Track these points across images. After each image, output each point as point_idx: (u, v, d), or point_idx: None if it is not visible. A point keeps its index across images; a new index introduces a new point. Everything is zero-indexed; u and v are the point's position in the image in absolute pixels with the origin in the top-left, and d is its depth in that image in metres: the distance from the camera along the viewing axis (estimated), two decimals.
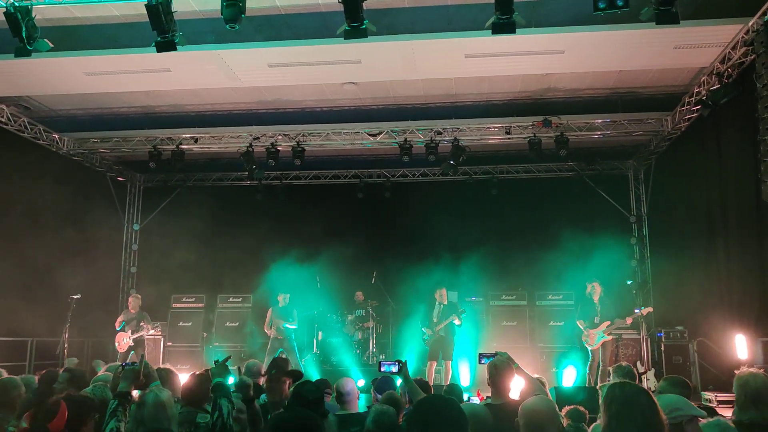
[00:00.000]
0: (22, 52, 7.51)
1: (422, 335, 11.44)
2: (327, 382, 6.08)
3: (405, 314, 13.20)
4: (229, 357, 4.21)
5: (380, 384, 5.71)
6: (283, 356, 11.44)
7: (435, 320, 11.20)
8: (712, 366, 10.66)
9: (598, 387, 7.62)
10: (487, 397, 5.48)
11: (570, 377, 11.48)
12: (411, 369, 5.25)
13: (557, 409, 3.52)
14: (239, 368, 6.24)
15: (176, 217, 14.59)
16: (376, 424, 3.97)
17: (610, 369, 5.60)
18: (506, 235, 13.80)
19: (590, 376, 10.48)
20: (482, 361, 5.12)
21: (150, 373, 4.37)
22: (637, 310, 10.69)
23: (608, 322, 10.31)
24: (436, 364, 11.30)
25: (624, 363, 5.65)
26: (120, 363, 5.00)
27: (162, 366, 5.40)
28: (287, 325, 11.83)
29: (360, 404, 5.77)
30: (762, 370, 3.93)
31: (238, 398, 4.43)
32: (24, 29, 7.37)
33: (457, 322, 11.09)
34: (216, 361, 4.16)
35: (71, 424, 3.45)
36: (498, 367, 4.63)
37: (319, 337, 13.22)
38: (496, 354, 4.94)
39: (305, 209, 14.47)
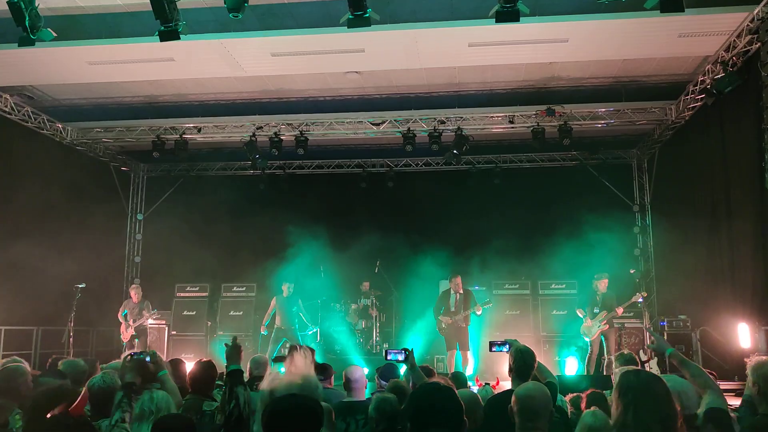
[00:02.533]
0: (26, 42, 7.50)
1: (437, 324, 11.31)
2: (330, 367, 6.11)
3: (409, 303, 13.24)
4: (236, 338, 4.10)
5: (384, 371, 5.74)
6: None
7: (453, 309, 11.09)
8: (714, 355, 10.69)
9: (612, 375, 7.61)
10: (486, 383, 5.52)
11: (573, 366, 11.55)
12: (417, 358, 5.28)
13: (549, 394, 3.51)
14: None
15: (180, 207, 14.62)
16: (378, 411, 3.99)
17: (612, 357, 5.63)
18: (509, 225, 13.77)
19: (588, 368, 10.52)
20: (493, 349, 5.14)
21: (158, 362, 4.38)
22: (633, 297, 10.80)
23: (605, 312, 10.40)
24: (456, 352, 11.23)
25: (626, 351, 5.67)
26: (129, 353, 4.99)
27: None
28: (309, 325, 12.17)
29: (366, 392, 5.81)
30: None
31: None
32: (27, 18, 7.35)
33: (478, 312, 11.03)
34: (227, 344, 4.07)
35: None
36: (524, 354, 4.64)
37: (323, 326, 13.28)
38: (506, 342, 4.94)
39: (308, 198, 14.49)
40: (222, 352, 3.95)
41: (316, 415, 2.65)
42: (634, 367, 3.03)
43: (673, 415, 2.63)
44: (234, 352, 3.85)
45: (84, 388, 3.72)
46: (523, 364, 4.52)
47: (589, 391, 4.44)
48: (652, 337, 4.17)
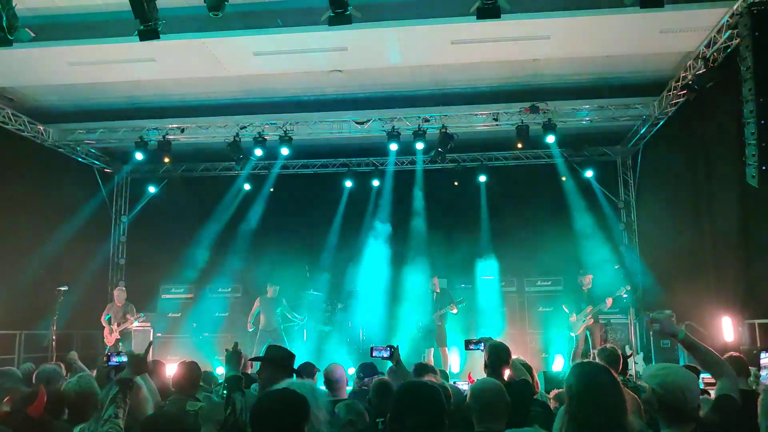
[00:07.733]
0: (3, 42, 7.39)
1: (417, 323, 11.55)
2: (312, 365, 6.08)
3: (395, 301, 13.23)
4: (237, 344, 4.09)
5: (364, 369, 5.77)
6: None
7: (430, 308, 11.36)
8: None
9: None
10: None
11: (559, 362, 11.61)
12: (402, 355, 5.27)
13: (504, 389, 3.54)
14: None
15: (164, 208, 14.53)
16: (354, 414, 4.03)
17: (594, 352, 5.66)
18: (495, 222, 13.82)
19: (573, 363, 10.62)
20: (470, 347, 5.15)
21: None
22: (618, 292, 10.93)
23: (591, 307, 10.55)
24: (433, 350, 11.45)
25: (608, 345, 5.70)
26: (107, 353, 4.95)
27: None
28: (297, 318, 12.14)
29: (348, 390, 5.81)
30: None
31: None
32: (4, 18, 7.25)
33: (453, 311, 11.31)
34: (227, 350, 4.00)
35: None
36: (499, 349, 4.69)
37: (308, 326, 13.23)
38: (480, 340, 4.97)
39: (293, 198, 14.44)
40: (209, 355, 3.98)
41: (298, 409, 2.67)
42: (587, 360, 3.02)
43: (619, 403, 2.63)
44: (234, 358, 3.87)
45: (40, 388, 3.68)
46: (497, 359, 4.56)
47: (558, 391, 4.47)
48: (655, 322, 3.61)
